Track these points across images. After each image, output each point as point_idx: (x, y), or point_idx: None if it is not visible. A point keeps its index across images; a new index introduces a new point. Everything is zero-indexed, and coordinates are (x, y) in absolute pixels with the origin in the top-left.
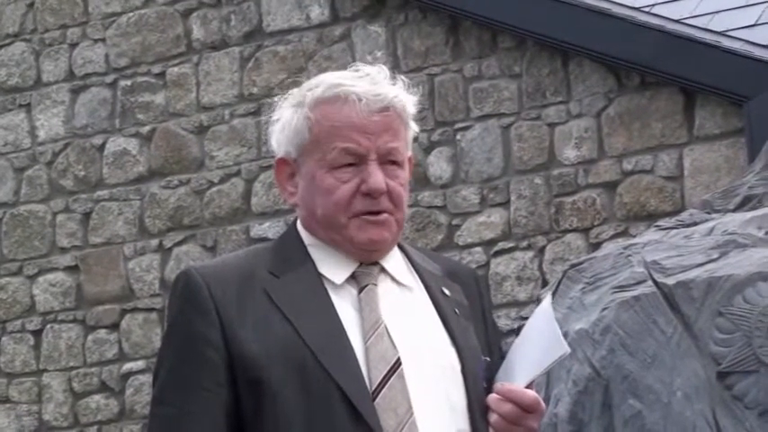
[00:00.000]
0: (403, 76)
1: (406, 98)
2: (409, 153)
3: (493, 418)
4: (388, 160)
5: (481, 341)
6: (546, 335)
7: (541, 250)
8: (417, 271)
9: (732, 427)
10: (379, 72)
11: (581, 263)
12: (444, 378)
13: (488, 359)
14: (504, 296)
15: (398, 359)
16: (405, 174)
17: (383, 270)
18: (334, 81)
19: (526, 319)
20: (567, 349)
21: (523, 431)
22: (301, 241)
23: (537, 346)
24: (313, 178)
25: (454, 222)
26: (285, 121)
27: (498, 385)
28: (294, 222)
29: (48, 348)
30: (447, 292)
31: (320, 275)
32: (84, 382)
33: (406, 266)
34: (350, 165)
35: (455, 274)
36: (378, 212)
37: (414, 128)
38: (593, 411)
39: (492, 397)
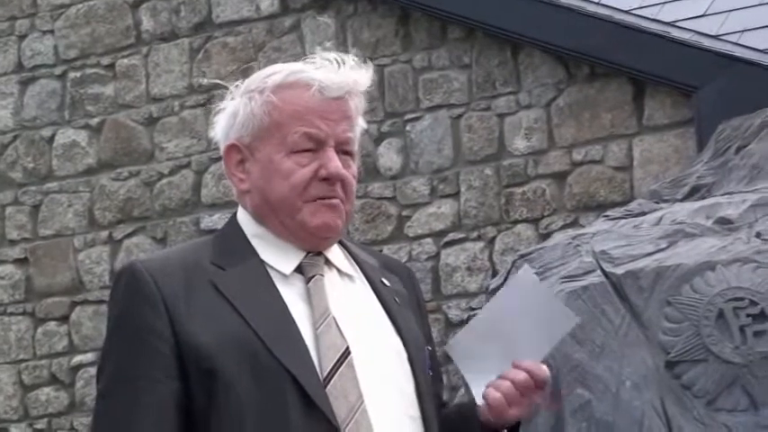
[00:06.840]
0: (358, 59)
1: (364, 82)
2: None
3: (505, 384)
4: (343, 150)
5: (419, 331)
6: (546, 307)
7: (492, 241)
8: (357, 263)
9: (680, 415)
10: (339, 59)
11: (530, 253)
12: (392, 366)
13: (430, 348)
14: (454, 287)
15: (347, 348)
16: (355, 166)
17: (327, 261)
18: (295, 68)
19: (476, 309)
20: (578, 319)
21: (527, 404)
22: (243, 233)
23: (539, 320)
24: (270, 162)
25: (404, 213)
26: (236, 108)
27: (516, 362)
28: (234, 215)
29: None
30: (386, 282)
31: (265, 267)
32: (33, 374)
33: (346, 259)
34: (308, 150)
35: (390, 267)
36: (331, 197)
37: (362, 123)
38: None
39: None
